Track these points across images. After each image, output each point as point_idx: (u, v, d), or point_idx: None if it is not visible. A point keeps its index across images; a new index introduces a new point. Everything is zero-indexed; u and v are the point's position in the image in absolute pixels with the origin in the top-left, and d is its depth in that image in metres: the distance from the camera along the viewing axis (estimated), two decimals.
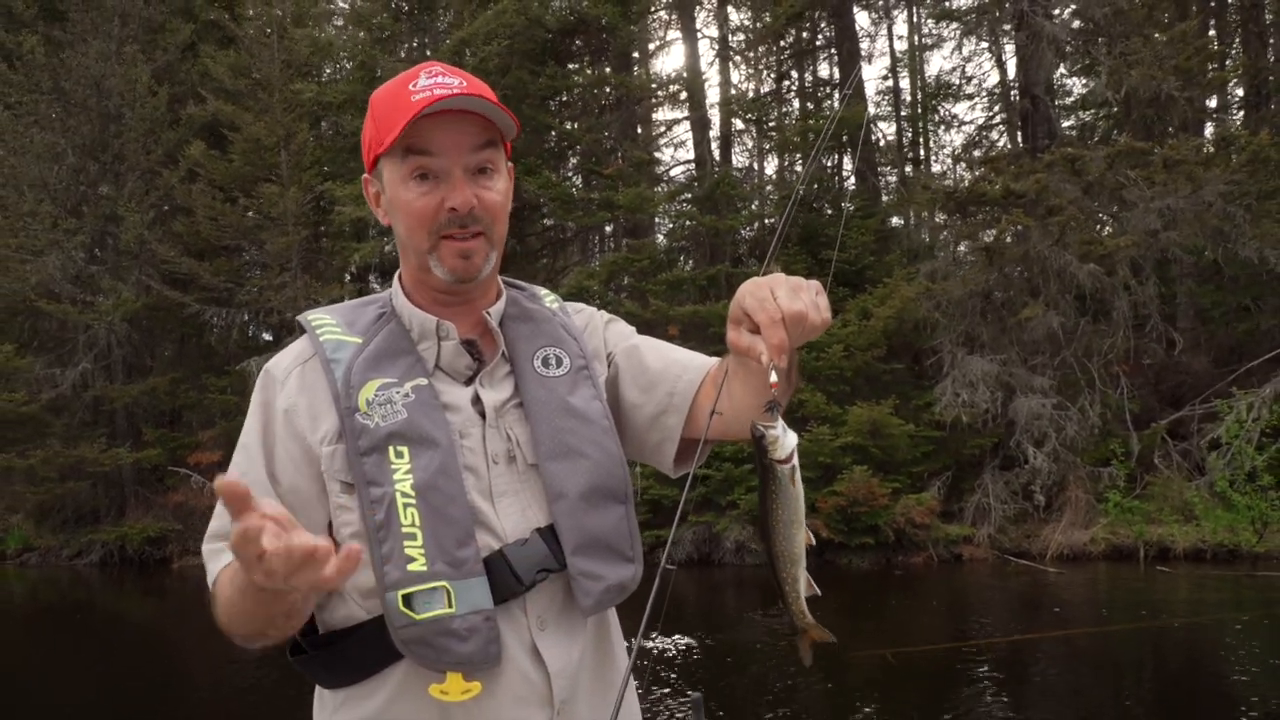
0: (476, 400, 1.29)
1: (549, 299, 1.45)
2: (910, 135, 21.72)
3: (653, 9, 16.14)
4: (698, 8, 17.32)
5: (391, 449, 1.19)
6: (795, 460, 1.12)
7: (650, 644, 7.44)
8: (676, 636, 8.76)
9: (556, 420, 1.29)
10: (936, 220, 12.31)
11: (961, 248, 12.05)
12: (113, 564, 14.59)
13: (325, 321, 1.32)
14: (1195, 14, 14.52)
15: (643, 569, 1.30)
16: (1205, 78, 11.54)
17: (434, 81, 1.22)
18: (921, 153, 21.34)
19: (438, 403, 1.25)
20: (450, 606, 1.15)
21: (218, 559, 1.21)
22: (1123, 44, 12.48)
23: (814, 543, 1.14)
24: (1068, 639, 8.37)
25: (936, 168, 20.77)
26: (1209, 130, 15.29)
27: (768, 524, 1.13)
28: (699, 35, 17.52)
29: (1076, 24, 13.67)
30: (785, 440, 1.11)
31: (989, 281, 11.92)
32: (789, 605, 1.15)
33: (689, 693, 6.41)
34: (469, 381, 1.30)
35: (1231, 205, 11.27)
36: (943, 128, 21.53)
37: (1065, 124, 18.92)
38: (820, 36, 19.84)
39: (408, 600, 1.15)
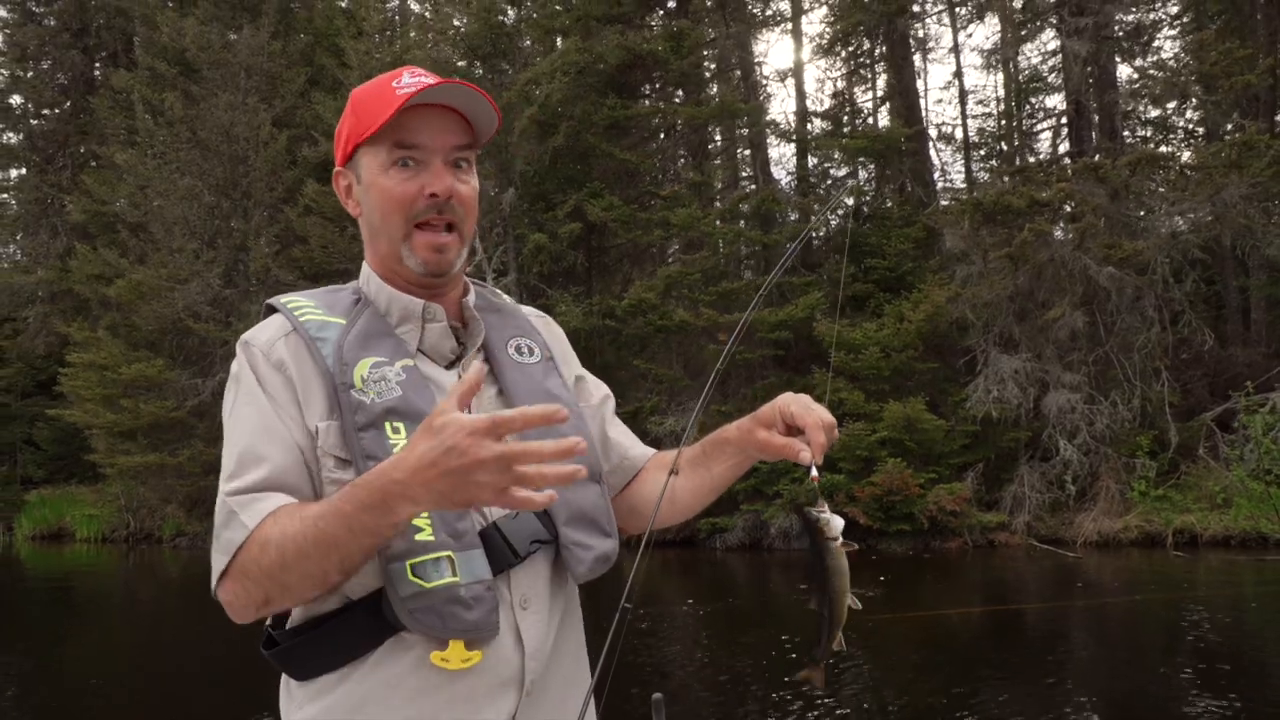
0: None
1: (506, 298, 1.51)
2: (1000, 130, 22.20)
3: (707, 40, 17.34)
4: (758, 36, 18.39)
5: (388, 425, 1.20)
6: (842, 538, 1.27)
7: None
8: (718, 606, 10.00)
9: (536, 402, 1.31)
10: (965, 229, 13.10)
11: (990, 255, 12.84)
12: None
13: (301, 304, 1.32)
14: (1227, 15, 14.68)
15: (619, 545, 1.37)
16: (1229, 82, 11.93)
17: (417, 80, 1.27)
18: (1016, 143, 21.67)
19: (427, 382, 1.27)
20: (455, 575, 1.16)
21: (253, 507, 1.16)
22: (1148, 54, 12.97)
23: (859, 606, 1.28)
24: (1069, 610, 9.22)
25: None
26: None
27: (821, 593, 1.27)
28: (757, 62, 18.66)
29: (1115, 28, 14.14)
30: (834, 522, 1.26)
31: (1015, 285, 12.67)
32: (822, 654, 1.31)
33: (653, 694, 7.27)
34: (450, 365, 1.34)
35: (1253, 207, 11.71)
36: (1034, 122, 21.82)
37: (1152, 114, 19.11)
38: (870, 54, 20.56)
39: (416, 569, 1.15)
